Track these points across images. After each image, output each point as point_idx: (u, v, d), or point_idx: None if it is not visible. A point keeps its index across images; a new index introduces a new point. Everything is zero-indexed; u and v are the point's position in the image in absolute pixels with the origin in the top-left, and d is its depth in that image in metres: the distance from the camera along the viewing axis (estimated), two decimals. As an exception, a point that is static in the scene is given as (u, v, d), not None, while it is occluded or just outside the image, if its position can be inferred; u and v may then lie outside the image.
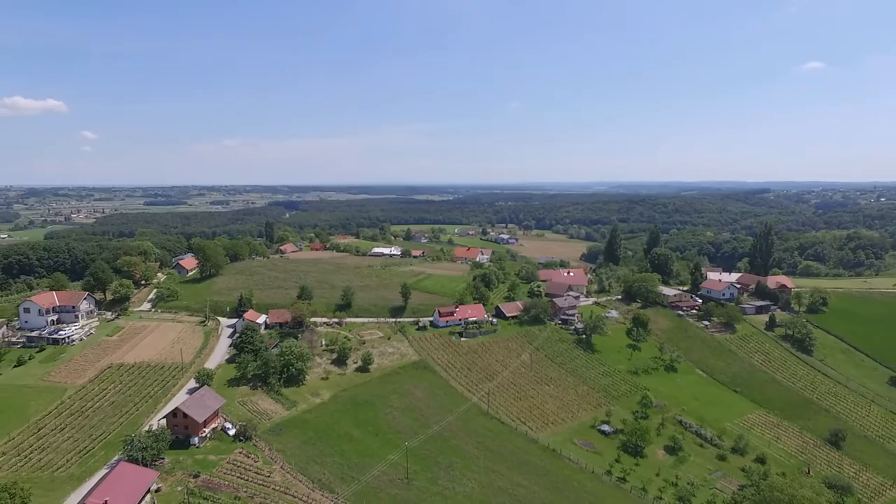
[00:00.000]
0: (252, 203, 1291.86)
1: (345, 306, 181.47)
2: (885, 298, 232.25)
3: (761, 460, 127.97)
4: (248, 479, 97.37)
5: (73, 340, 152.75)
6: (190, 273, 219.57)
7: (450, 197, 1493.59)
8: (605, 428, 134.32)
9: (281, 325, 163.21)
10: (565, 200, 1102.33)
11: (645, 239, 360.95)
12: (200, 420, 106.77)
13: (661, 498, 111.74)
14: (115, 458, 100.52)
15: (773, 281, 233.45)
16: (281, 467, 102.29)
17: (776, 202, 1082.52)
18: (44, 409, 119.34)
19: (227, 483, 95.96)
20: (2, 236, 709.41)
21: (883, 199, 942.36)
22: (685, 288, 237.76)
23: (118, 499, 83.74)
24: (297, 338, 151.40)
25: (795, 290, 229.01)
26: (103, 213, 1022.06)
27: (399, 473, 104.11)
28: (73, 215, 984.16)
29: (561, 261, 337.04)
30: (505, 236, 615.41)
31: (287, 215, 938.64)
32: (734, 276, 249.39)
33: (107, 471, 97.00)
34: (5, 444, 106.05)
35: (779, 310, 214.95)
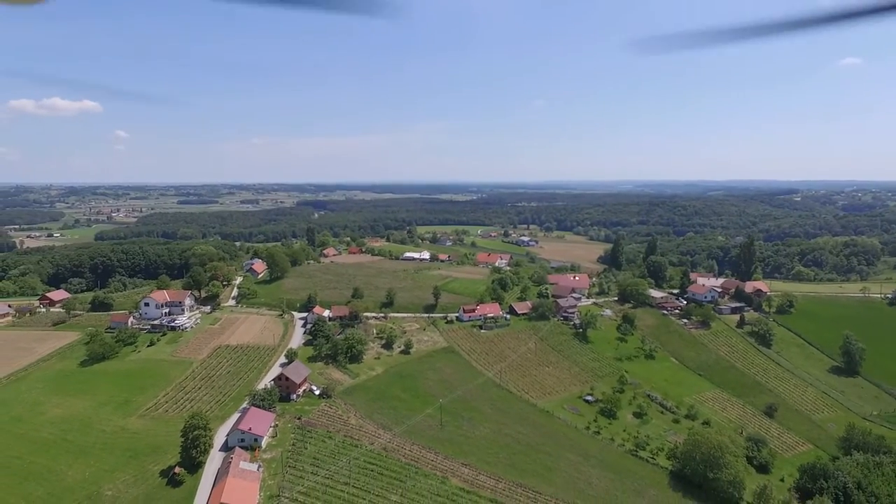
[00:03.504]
0: (281, 203, 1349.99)
1: (388, 304, 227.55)
2: (850, 302, 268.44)
3: (707, 423, 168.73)
4: (333, 422, 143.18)
5: (186, 328, 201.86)
6: (260, 275, 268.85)
7: (473, 196, 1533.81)
8: (589, 398, 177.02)
9: (341, 318, 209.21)
10: (588, 201, 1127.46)
11: (658, 243, 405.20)
12: (297, 382, 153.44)
13: (623, 445, 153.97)
14: (243, 405, 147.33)
15: (750, 286, 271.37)
16: (354, 415, 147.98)
17: (801, 204, 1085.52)
18: (181, 375, 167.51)
19: (320, 423, 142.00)
20: (55, 235, 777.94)
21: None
22: (675, 291, 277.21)
23: (257, 426, 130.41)
24: (354, 328, 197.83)
25: (770, 293, 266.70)
26: (141, 212, 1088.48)
27: (435, 421, 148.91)
28: (113, 214, 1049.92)
29: (571, 265, 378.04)
30: (525, 238, 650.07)
31: (316, 215, 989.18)
32: (719, 281, 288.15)
33: (239, 414, 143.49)
34: (164, 395, 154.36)
35: (752, 311, 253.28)
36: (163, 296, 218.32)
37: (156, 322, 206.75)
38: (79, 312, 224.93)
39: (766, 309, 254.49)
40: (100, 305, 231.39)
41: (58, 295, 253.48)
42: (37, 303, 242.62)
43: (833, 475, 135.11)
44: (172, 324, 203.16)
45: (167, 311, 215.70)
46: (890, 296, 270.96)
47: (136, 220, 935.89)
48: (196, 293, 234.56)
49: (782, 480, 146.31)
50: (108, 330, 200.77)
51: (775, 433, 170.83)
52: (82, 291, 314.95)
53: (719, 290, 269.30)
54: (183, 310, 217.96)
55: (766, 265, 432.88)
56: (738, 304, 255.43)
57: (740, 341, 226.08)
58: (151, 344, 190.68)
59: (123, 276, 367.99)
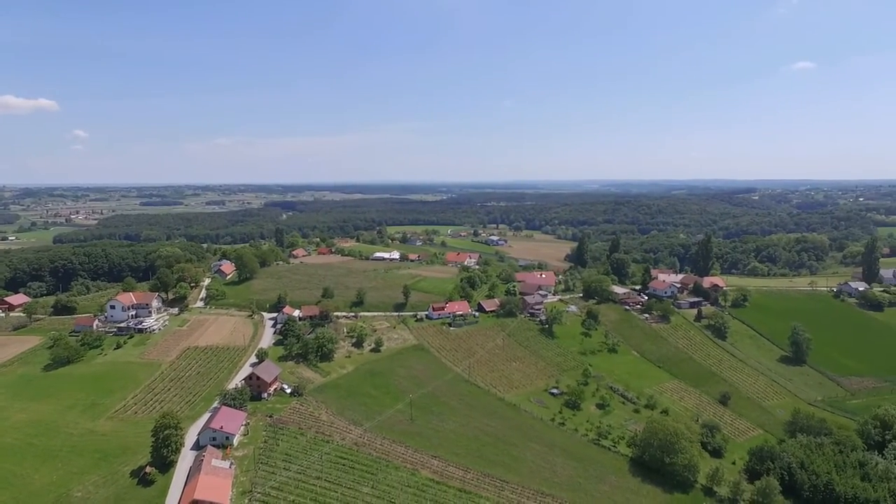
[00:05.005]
0: (248, 203, 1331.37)
1: (359, 303, 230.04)
2: (799, 295, 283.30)
3: (665, 412, 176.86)
4: (305, 419, 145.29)
5: (154, 330, 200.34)
6: (229, 277, 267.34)
7: (443, 196, 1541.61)
8: (554, 391, 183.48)
9: (311, 317, 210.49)
10: (556, 200, 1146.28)
11: (622, 241, 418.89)
12: (268, 381, 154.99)
13: (586, 435, 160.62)
14: (214, 405, 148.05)
15: (707, 281, 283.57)
16: (325, 412, 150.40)
17: (759, 202, 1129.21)
18: (150, 377, 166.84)
19: (291, 420, 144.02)
20: (10, 238, 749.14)
21: (861, 199, 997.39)
22: (637, 287, 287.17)
23: (228, 425, 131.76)
24: (324, 327, 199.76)
25: (726, 288, 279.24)
26: (102, 213, 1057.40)
27: (405, 416, 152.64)
28: (72, 216, 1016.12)
29: (539, 263, 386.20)
30: (495, 238, 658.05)
31: (284, 216, 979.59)
32: (678, 277, 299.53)
33: (210, 414, 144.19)
34: (134, 397, 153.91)
35: (709, 305, 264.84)
36: (129, 298, 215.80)
37: (122, 325, 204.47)
38: (40, 316, 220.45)
39: (722, 303, 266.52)
40: (62, 309, 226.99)
41: (17, 299, 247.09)
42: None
43: (779, 457, 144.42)
44: (140, 326, 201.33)
45: (134, 313, 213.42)
46: (835, 289, 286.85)
47: (96, 222, 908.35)
48: (163, 295, 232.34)
49: (734, 463, 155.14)
50: (73, 333, 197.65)
51: (728, 420, 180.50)
52: (43, 295, 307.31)
53: (678, 285, 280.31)
54: (150, 312, 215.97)
55: (724, 261, 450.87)
56: (696, 299, 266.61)
57: (698, 334, 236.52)
58: (118, 347, 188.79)
59: (86, 279, 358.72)
